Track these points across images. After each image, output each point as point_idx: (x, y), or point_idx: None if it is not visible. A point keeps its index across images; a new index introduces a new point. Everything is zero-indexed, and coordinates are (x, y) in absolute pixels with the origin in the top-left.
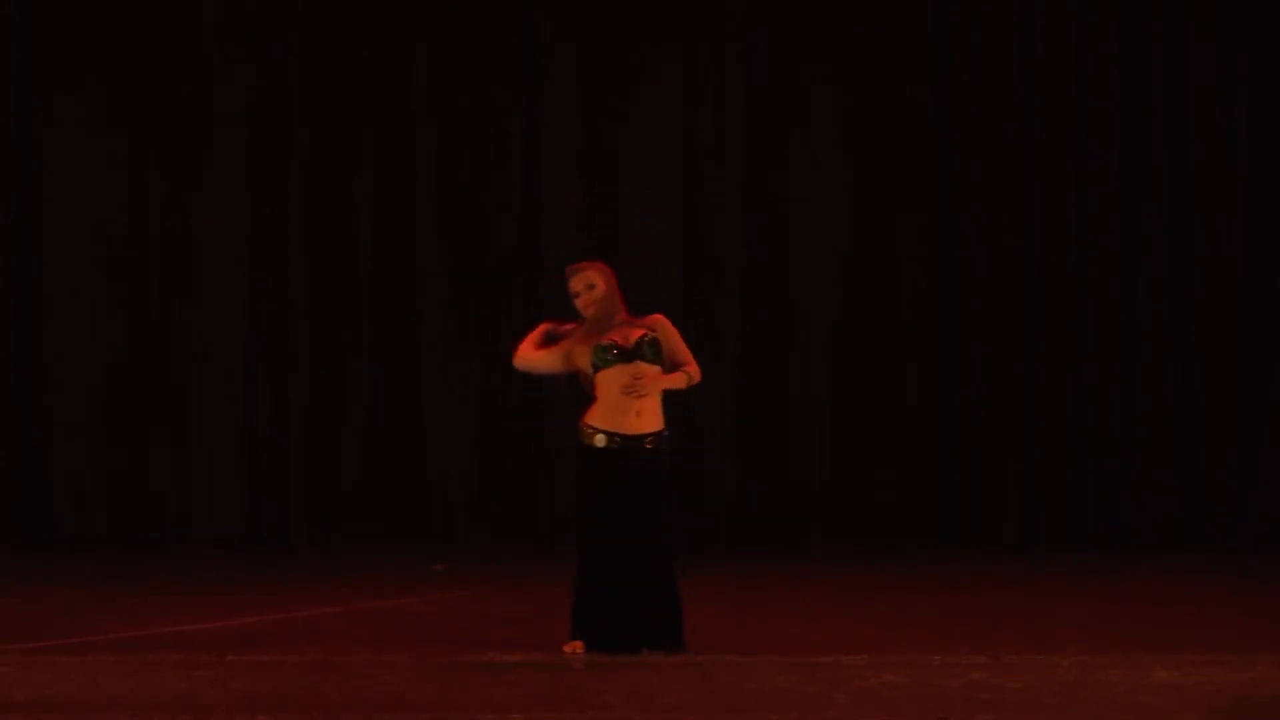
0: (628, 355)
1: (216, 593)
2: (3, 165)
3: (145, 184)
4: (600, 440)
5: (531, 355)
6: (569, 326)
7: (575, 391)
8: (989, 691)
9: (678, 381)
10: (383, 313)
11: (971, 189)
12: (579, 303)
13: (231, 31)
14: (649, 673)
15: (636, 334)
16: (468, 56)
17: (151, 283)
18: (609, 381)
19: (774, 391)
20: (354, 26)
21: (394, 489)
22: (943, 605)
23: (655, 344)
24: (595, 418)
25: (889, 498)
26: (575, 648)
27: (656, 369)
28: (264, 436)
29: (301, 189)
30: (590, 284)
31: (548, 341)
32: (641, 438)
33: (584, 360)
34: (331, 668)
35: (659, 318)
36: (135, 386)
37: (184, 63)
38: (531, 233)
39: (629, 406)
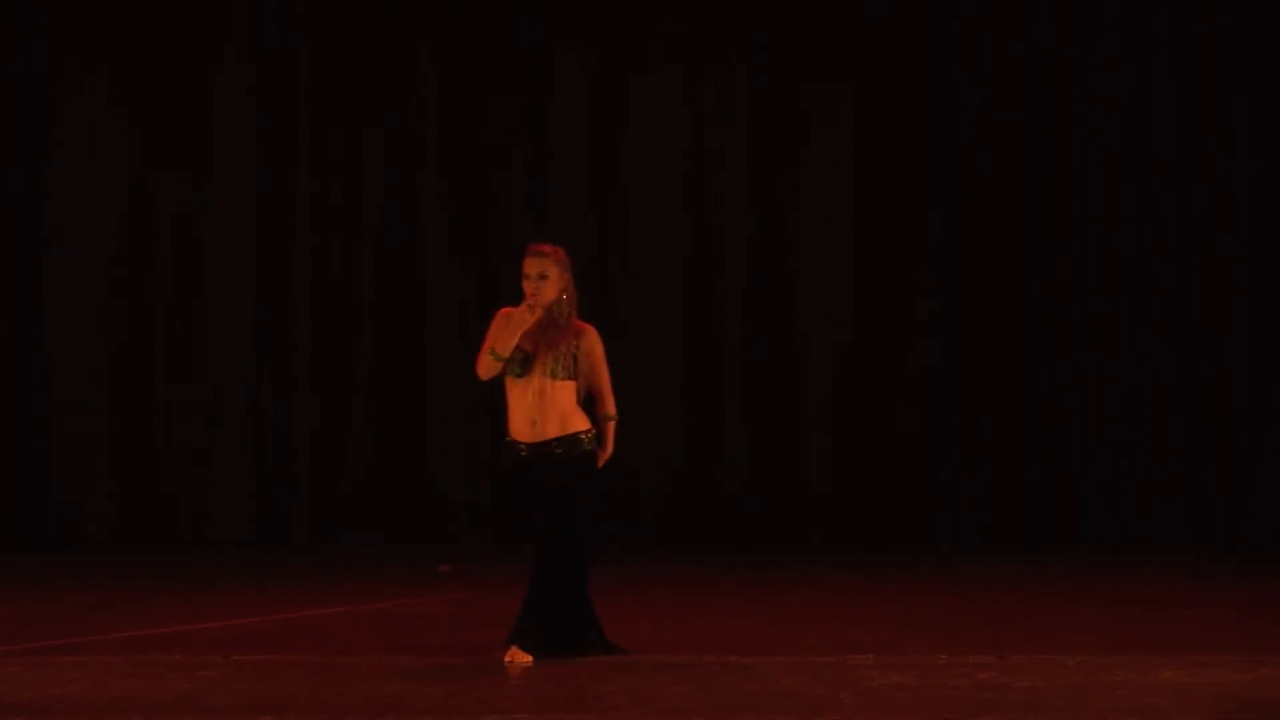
0: (521, 368)
1: (220, 594)
2: (8, 162)
3: (150, 184)
4: (510, 446)
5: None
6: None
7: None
8: (995, 692)
9: (609, 436)
10: (387, 315)
11: (977, 189)
12: (528, 285)
13: (236, 27)
14: (653, 674)
15: (563, 345)
16: (473, 60)
17: (156, 284)
18: (514, 389)
19: (779, 394)
20: (359, 28)
21: (398, 491)
22: (948, 607)
23: (573, 361)
24: (509, 426)
25: (894, 500)
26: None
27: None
28: (268, 438)
29: (306, 191)
30: (543, 274)
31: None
32: (548, 443)
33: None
34: (335, 669)
35: (590, 332)
36: (139, 389)
37: (189, 61)
38: (537, 235)
39: (527, 415)
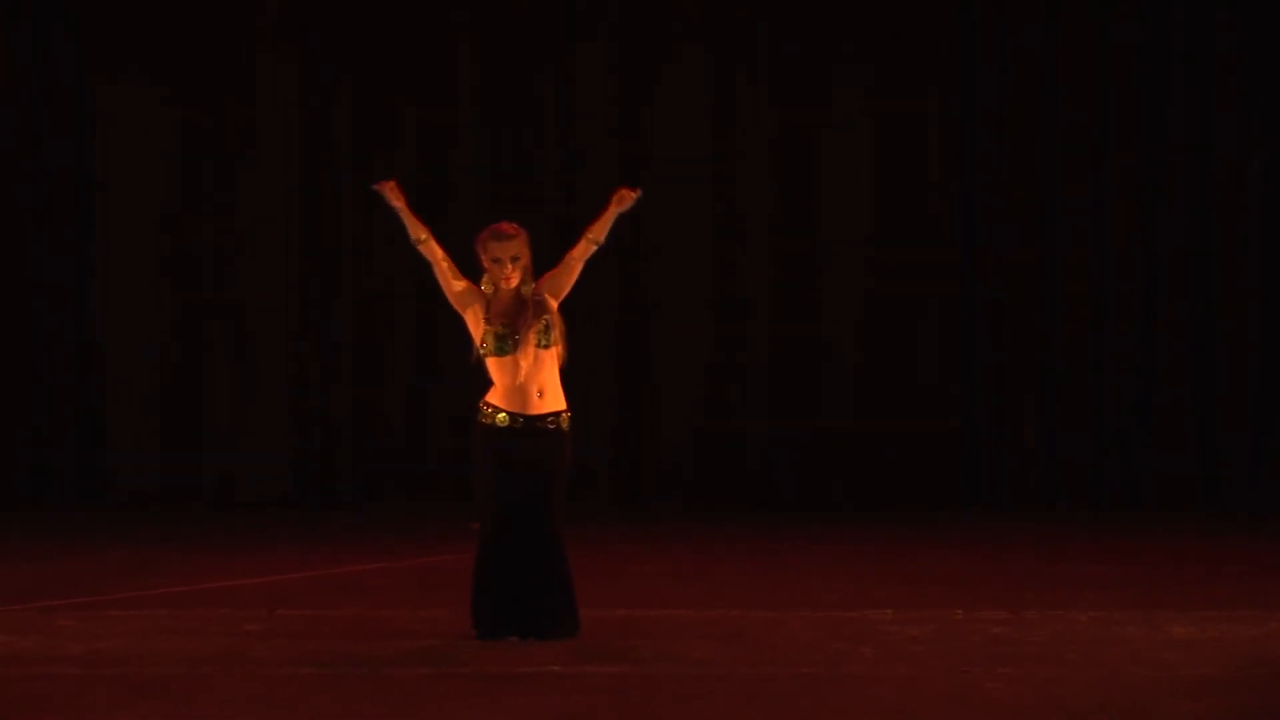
0: (514, 344)
1: (264, 551)
2: (60, 144)
3: (197, 160)
4: (502, 419)
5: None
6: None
7: (603, 355)
8: (1009, 645)
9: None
10: (427, 278)
11: (997, 152)
12: (500, 270)
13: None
14: (680, 629)
15: (539, 321)
16: (507, 34)
17: (203, 253)
18: (500, 369)
19: (801, 354)
20: (394, 11)
21: (435, 451)
22: (965, 564)
23: (549, 328)
24: (495, 398)
25: (913, 459)
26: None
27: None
28: (311, 400)
29: (349, 162)
30: (516, 256)
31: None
32: (544, 417)
33: (477, 335)
34: (375, 622)
35: (542, 295)
36: (188, 352)
37: (230, 47)
38: (569, 195)
39: (528, 390)
